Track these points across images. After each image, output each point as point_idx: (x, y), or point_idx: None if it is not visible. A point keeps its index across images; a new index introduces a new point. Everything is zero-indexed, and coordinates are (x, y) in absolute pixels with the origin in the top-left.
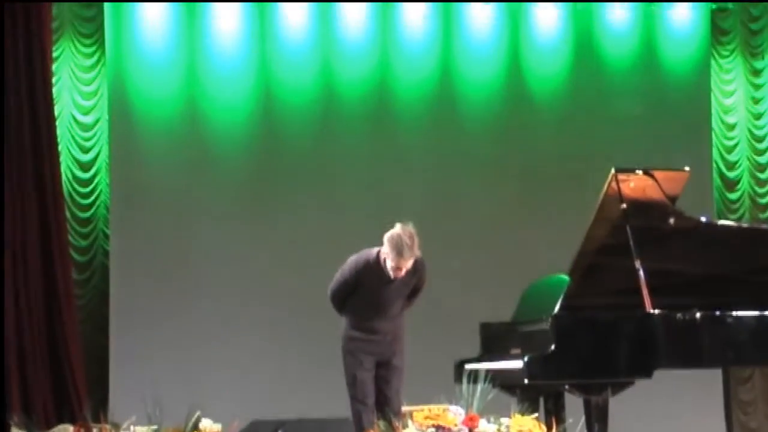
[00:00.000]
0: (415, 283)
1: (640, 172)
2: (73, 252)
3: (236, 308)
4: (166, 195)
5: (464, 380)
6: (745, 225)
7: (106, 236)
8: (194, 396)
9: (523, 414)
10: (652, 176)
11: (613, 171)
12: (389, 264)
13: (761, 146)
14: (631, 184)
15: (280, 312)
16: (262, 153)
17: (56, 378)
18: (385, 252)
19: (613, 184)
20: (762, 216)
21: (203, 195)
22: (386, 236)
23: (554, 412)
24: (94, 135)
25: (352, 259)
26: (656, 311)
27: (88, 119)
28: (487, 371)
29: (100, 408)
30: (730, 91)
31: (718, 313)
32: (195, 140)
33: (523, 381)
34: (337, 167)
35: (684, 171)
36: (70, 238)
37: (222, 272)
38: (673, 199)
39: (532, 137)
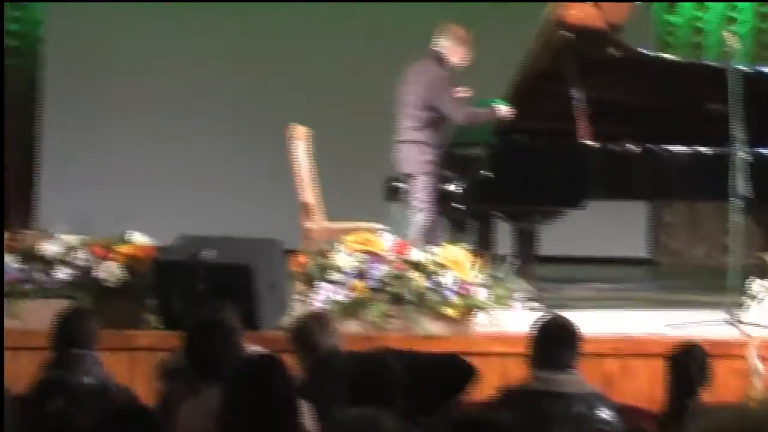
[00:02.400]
0: None
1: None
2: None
3: (177, 110)
4: None
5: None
6: (684, 59)
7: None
8: (124, 207)
9: (452, 242)
10: (596, 4)
11: None
12: (459, 61)
13: None
14: (574, 11)
15: (222, 116)
16: None
17: None
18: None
19: (556, 10)
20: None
21: None
22: (453, 36)
23: (485, 237)
24: None
25: (439, 73)
26: (590, 142)
27: None
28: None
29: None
30: None
31: (650, 145)
32: None
33: (456, 204)
34: None
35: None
36: None
37: (166, 67)
38: (615, 29)
39: None
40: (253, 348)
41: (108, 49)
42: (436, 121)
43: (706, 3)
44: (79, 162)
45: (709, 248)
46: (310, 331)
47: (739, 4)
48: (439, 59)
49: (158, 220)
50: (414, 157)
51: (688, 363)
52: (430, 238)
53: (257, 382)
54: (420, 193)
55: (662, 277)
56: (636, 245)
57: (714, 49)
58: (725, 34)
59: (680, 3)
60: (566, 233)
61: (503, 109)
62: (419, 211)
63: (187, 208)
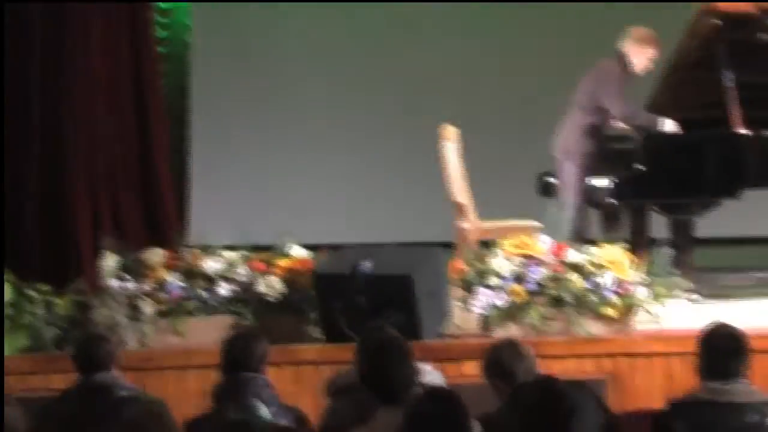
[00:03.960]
0: None
1: None
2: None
3: (326, 118)
4: None
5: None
6: None
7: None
8: (277, 217)
9: (609, 241)
10: None
11: None
12: (645, 62)
13: None
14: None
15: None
16: None
17: (146, 199)
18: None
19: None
20: None
21: None
22: (638, 37)
23: (639, 231)
24: None
25: (613, 69)
26: (743, 129)
27: None
28: None
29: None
30: None
31: None
32: None
33: (609, 199)
34: None
35: None
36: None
37: (315, 75)
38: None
39: None
40: (429, 372)
41: (261, 51)
42: (598, 114)
43: None
44: (231, 171)
45: None
46: (505, 361)
47: None
48: (620, 59)
49: (316, 227)
50: (570, 146)
51: None
52: (580, 231)
53: (439, 420)
54: (569, 183)
55: None
56: None
57: None
58: None
59: None
60: (719, 214)
61: (668, 124)
62: (568, 206)
63: (344, 212)
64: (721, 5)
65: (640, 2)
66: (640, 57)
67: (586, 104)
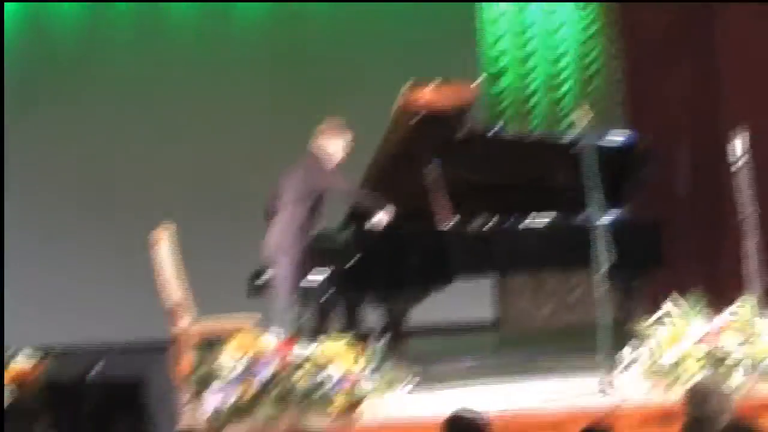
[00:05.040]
0: None
1: (433, 84)
2: None
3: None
4: None
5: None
6: (528, 134)
7: None
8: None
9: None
10: (441, 88)
11: (409, 83)
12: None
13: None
14: (422, 95)
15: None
16: None
17: None
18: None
19: (408, 94)
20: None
21: None
22: (327, 131)
23: (354, 323)
24: None
25: (318, 160)
26: (448, 223)
27: None
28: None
29: None
30: None
31: (507, 223)
32: None
33: (322, 294)
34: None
35: (472, 83)
36: None
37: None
38: (463, 109)
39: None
40: None
41: None
42: (310, 208)
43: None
44: None
45: (555, 307)
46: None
47: (563, 65)
48: (319, 156)
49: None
50: (283, 241)
51: None
52: (298, 324)
53: None
54: (284, 277)
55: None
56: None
57: (541, 111)
58: (579, 110)
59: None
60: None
61: (383, 218)
62: (284, 300)
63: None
64: (419, 101)
65: None
66: (335, 147)
67: (297, 198)
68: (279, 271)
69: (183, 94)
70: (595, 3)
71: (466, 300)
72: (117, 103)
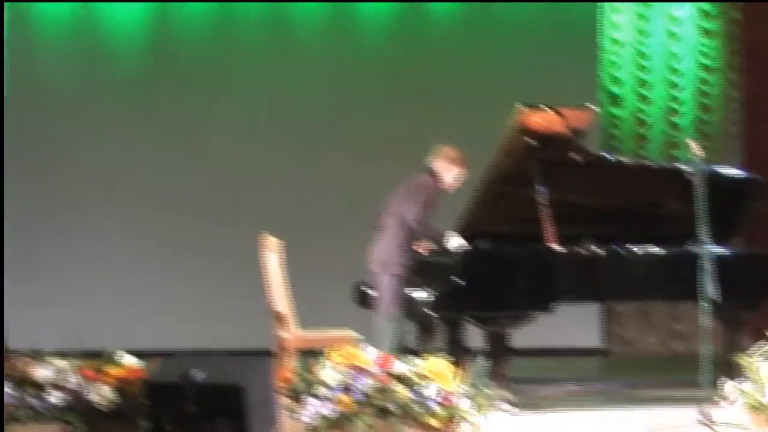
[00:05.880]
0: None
1: (549, 107)
2: None
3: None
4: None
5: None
6: (641, 161)
7: None
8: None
9: (430, 352)
10: (557, 112)
11: (523, 104)
12: (452, 180)
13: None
14: (536, 118)
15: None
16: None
17: None
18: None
19: (519, 117)
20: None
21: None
22: (446, 156)
23: (456, 342)
24: None
25: (424, 181)
26: (556, 247)
27: None
28: None
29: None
30: None
31: (615, 247)
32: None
33: (425, 310)
34: (233, 72)
35: (589, 108)
36: None
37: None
38: (577, 134)
39: (429, 54)
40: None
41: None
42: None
43: (649, 96)
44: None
45: (662, 337)
46: None
47: (680, 96)
48: (432, 173)
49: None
50: (387, 258)
51: None
52: (399, 342)
53: None
54: (387, 294)
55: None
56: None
57: (657, 139)
58: (689, 141)
59: (624, 97)
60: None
61: (454, 240)
62: (387, 317)
63: (172, 319)
64: (534, 124)
65: None
66: (448, 174)
67: (399, 216)
68: (382, 287)
69: (296, 105)
70: (718, 36)
71: (572, 325)
72: (232, 112)
